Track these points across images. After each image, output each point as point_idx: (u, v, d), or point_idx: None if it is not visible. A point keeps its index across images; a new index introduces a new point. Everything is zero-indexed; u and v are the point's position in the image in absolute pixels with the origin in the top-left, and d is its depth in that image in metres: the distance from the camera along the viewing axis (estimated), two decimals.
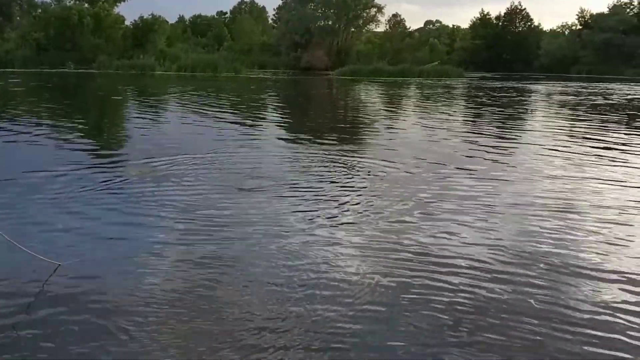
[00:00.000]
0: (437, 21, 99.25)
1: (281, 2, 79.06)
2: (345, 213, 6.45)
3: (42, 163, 8.91)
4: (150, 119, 16.20)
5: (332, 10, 66.42)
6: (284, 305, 4.05)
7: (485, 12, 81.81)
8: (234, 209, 6.46)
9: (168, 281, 4.42)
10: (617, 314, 3.99)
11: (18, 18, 67.38)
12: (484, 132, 14.30)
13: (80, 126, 13.96)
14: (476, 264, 4.88)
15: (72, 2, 53.29)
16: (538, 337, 3.67)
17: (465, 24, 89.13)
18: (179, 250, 5.10)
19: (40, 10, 53.70)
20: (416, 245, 5.37)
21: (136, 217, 6.05)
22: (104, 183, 7.59)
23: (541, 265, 4.90)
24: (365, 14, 67.75)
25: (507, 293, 4.31)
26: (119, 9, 54.06)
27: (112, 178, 7.90)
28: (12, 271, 4.57)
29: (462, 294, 4.28)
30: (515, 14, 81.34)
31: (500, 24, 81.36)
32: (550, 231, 5.84)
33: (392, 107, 22.95)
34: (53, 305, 3.97)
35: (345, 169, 9.02)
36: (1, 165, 8.75)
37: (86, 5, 51.88)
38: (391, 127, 15.63)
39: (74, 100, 23.36)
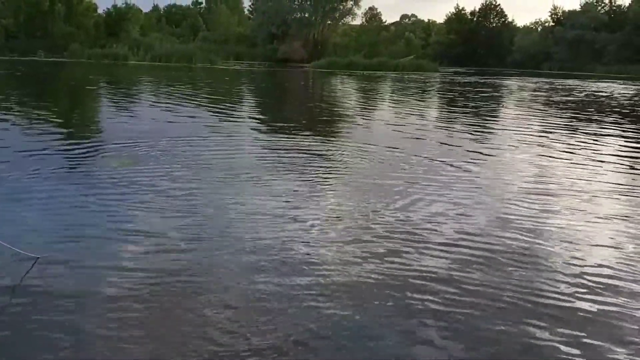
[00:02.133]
0: (413, 15, 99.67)
1: None
2: (319, 198, 6.50)
3: (12, 154, 8.74)
4: (123, 108, 15.99)
5: (308, 2, 66.25)
6: (261, 294, 4.08)
7: (460, 8, 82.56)
8: (210, 196, 6.46)
9: (147, 272, 4.39)
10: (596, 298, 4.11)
11: None
12: (457, 124, 14.47)
13: (52, 116, 13.70)
14: (454, 248, 4.97)
15: None
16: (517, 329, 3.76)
17: (440, 19, 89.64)
18: (157, 240, 5.08)
19: None
20: (393, 231, 5.43)
21: (113, 207, 6.00)
22: (79, 173, 7.52)
23: (517, 250, 5.02)
24: (341, 7, 67.72)
25: (487, 277, 4.40)
26: None
27: (88, 168, 7.82)
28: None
29: (448, 283, 4.35)
30: (490, 10, 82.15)
31: (475, 19, 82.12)
32: (524, 217, 6.04)
33: (368, 100, 23.05)
34: (31, 299, 3.90)
35: (318, 157, 9.06)
36: None
37: None
38: (366, 119, 15.71)
39: (45, 89, 22.90)
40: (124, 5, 52.82)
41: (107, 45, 47.22)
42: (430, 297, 4.14)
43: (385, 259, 4.84)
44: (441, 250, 5.07)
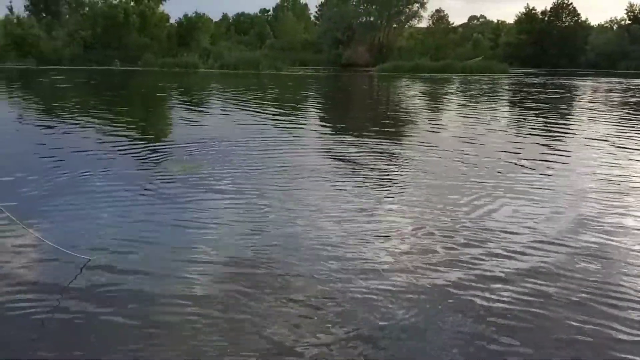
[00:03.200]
0: (482, 16, 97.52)
1: None
2: (386, 201, 6.41)
3: (83, 156, 9.13)
4: (191, 113, 16.44)
5: (374, 7, 65.95)
6: (325, 294, 4.05)
7: (530, 7, 79.93)
8: (275, 198, 6.50)
9: (200, 274, 4.44)
10: None
11: (67, 17, 69.40)
12: (529, 126, 14.01)
13: (123, 121, 14.26)
14: (523, 255, 4.77)
15: (118, 0, 54.54)
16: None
17: (510, 19, 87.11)
18: (216, 242, 5.14)
19: (87, 9, 55.13)
20: (460, 235, 5.29)
21: (170, 210, 6.15)
22: (143, 177, 7.73)
23: (596, 251, 4.77)
24: (407, 10, 67.04)
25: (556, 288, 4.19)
26: (164, 7, 55.03)
27: (152, 172, 8.05)
28: (42, 267, 4.58)
29: (511, 292, 4.18)
30: (562, 9, 79.11)
31: (546, 19, 79.27)
32: (601, 218, 5.80)
33: (435, 103, 22.68)
34: (82, 300, 3.96)
35: (387, 160, 8.98)
36: (43, 161, 8.97)
37: (132, 3, 52.97)
38: (434, 121, 15.45)
39: (119, 97, 23.87)
40: (194, 15, 54.21)
41: (178, 54, 48.70)
42: (505, 299, 3.98)
43: (458, 261, 4.72)
44: (517, 252, 4.92)
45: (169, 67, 45.76)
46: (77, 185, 7.14)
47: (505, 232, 5.47)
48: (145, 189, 6.98)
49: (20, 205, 5.93)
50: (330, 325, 3.63)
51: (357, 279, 4.32)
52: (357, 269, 4.51)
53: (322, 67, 59.46)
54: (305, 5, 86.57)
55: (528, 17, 79.62)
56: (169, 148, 10.16)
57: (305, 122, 15.10)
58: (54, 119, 14.33)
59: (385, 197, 6.83)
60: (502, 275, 4.45)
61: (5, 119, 14.73)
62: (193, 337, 3.49)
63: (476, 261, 4.72)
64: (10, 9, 63.45)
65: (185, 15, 53.97)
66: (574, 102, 23.43)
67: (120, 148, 10.07)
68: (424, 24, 74.76)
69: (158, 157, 9.19)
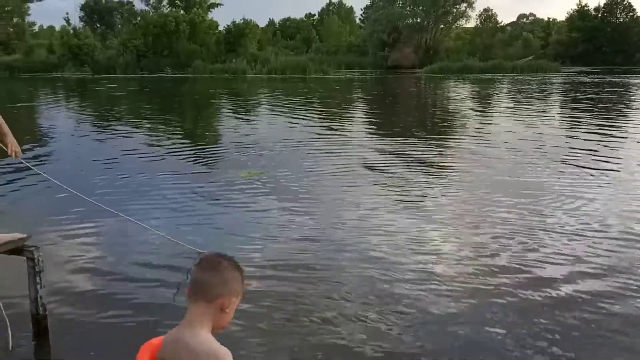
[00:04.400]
0: (531, 14, 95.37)
1: (369, 1, 79.08)
2: (438, 205, 6.40)
3: (153, 164, 9.48)
4: (244, 118, 16.74)
5: (420, 8, 65.45)
6: (372, 295, 4.11)
7: (583, 4, 77.75)
8: (335, 203, 6.59)
9: (280, 269, 4.56)
10: None
11: (120, 26, 71.61)
12: (586, 126, 13.68)
13: (181, 129, 14.67)
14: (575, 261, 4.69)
15: (169, 9, 55.92)
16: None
17: (561, 16, 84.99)
18: (287, 246, 5.26)
19: (139, 19, 56.76)
20: (512, 239, 5.26)
21: (255, 210, 6.49)
22: (216, 184, 7.98)
23: None
24: (455, 10, 66.25)
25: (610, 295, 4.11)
26: (213, 15, 56.13)
27: (223, 179, 8.26)
28: (163, 258, 5.01)
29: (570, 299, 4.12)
30: (616, 5, 76.62)
31: (600, 15, 76.94)
32: None
33: (486, 105, 22.32)
34: None
35: (440, 162, 8.95)
36: (123, 168, 9.35)
37: (182, 12, 54.26)
38: (485, 125, 15.23)
39: (173, 104, 24.47)
40: (242, 22, 55.05)
41: (227, 61, 49.57)
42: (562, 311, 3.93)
43: (515, 265, 4.67)
44: (574, 261, 4.81)
45: (219, 73, 46.57)
46: (158, 187, 7.57)
47: (565, 234, 5.40)
48: (219, 194, 7.39)
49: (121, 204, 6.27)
50: (377, 327, 3.68)
51: (415, 285, 4.37)
52: (415, 275, 4.56)
53: (368, 70, 59.40)
54: (351, 8, 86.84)
55: (580, 14, 77.44)
56: (231, 153, 10.54)
57: (356, 126, 15.15)
58: (117, 127, 14.84)
59: (438, 202, 6.84)
60: (561, 276, 4.39)
61: (71, 127, 15.33)
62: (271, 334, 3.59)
63: (540, 264, 4.69)
64: (67, 21, 66.09)
65: (233, 22, 54.95)
66: (632, 102, 22.66)
67: (186, 153, 10.60)
68: (471, 23, 73.77)
69: (224, 163, 9.56)
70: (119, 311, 4.05)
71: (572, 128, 14.00)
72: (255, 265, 4.80)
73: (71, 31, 54.69)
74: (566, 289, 4.23)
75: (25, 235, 3.84)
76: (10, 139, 3.66)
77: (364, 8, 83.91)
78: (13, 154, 3.67)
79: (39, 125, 16.10)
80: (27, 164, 4.62)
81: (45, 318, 3.78)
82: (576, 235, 5.46)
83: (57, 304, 4.07)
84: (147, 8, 70.64)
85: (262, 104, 22.46)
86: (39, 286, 3.73)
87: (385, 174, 8.41)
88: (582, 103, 21.06)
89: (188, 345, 1.54)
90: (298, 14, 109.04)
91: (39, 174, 5.10)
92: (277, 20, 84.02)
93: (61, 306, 4.09)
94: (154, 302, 4.16)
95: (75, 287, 4.48)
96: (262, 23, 75.93)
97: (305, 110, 19.14)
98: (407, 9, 66.68)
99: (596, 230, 5.58)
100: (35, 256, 3.71)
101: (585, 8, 77.49)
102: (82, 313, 4.04)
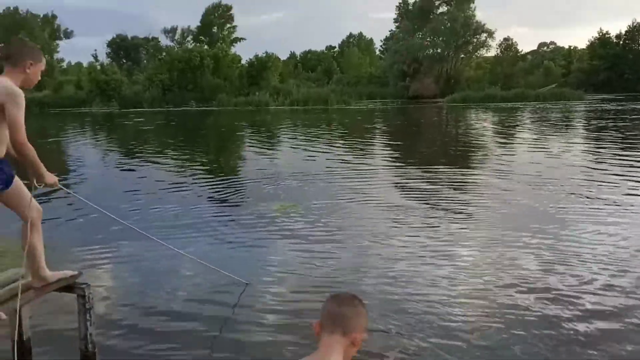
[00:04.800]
0: (552, 42, 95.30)
1: (388, 33, 79.93)
2: (463, 234, 6.40)
3: (187, 196, 9.64)
4: (272, 151, 16.96)
5: (441, 38, 65.93)
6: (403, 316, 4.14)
7: (604, 32, 77.52)
8: (363, 232, 6.63)
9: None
10: None
11: (145, 62, 73.30)
12: (612, 156, 13.57)
13: (210, 162, 14.87)
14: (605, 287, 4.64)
15: (193, 44, 57.10)
16: None
17: (582, 44, 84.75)
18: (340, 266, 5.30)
19: (164, 54, 58.04)
20: (534, 264, 5.27)
21: (294, 242, 6.58)
22: (249, 216, 8.10)
23: None
24: (475, 40, 66.57)
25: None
26: (236, 49, 57.16)
27: (256, 212, 8.36)
28: (208, 288, 5.15)
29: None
30: (638, 32, 76.27)
31: (621, 42, 76.59)
32: None
33: (510, 134, 22.23)
34: (243, 321, 4.46)
35: (461, 193, 8.94)
36: (161, 200, 9.54)
37: (206, 47, 55.37)
38: (510, 154, 15.18)
39: (200, 137, 24.84)
40: (264, 55, 55.91)
41: (250, 93, 50.29)
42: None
43: (543, 294, 4.65)
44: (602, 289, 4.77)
45: (242, 105, 47.20)
46: (196, 218, 7.72)
47: (591, 268, 5.39)
48: (255, 225, 7.52)
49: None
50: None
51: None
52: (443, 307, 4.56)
53: (389, 100, 59.69)
54: (371, 40, 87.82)
55: (602, 41, 77.18)
56: (260, 185, 10.75)
57: (382, 156, 15.23)
58: (147, 159, 15.10)
59: (461, 230, 6.89)
60: (600, 308, 4.36)
61: (103, 159, 15.65)
62: None
63: (572, 295, 4.66)
64: (95, 57, 67.86)
65: (256, 56, 55.78)
66: None
67: (217, 185, 10.89)
68: (491, 52, 73.93)
69: (255, 195, 9.68)
70: (165, 344, 4.11)
71: (597, 157, 13.90)
72: (299, 291, 4.89)
73: (98, 67, 56.09)
74: (606, 320, 4.19)
75: (76, 273, 3.95)
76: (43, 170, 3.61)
77: (384, 39, 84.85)
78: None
79: (70, 158, 16.44)
80: (69, 191, 4.73)
81: (94, 355, 3.85)
82: (606, 264, 5.43)
83: (102, 338, 4.12)
84: (172, 44, 72.52)
85: (286, 136, 22.69)
86: (88, 323, 3.81)
87: (415, 208, 8.45)
88: (606, 131, 20.88)
89: None
90: (319, 46, 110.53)
91: (84, 201, 5.04)
92: (298, 52, 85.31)
93: (107, 340, 4.15)
94: (203, 334, 4.23)
95: (121, 321, 4.56)
96: (284, 56, 77.17)
97: (330, 141, 19.28)
98: (427, 39, 67.20)
99: (624, 260, 5.55)
100: (86, 293, 3.80)
101: (607, 35, 77.25)
102: (129, 347, 4.11)
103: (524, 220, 7.29)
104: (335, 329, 1.74)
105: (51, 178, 3.51)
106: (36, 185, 3.51)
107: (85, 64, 73.70)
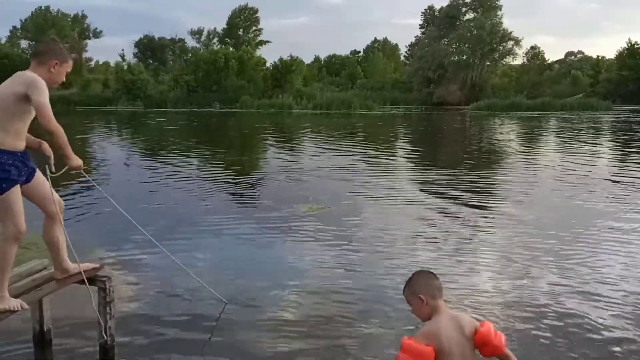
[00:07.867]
0: (579, 52, 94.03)
1: (414, 39, 79.76)
2: (485, 244, 6.30)
3: (210, 199, 9.69)
4: (297, 154, 16.98)
5: (467, 45, 65.60)
6: None
7: (633, 42, 76.18)
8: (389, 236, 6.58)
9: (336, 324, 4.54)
10: None
11: (171, 62, 74.13)
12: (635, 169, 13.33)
13: (234, 163, 14.92)
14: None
15: (218, 46, 57.55)
16: None
17: (610, 54, 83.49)
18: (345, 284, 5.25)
19: (190, 55, 58.68)
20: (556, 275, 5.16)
21: (312, 251, 6.42)
22: (281, 218, 8.01)
23: None
24: (501, 48, 66.06)
25: None
26: (261, 52, 57.44)
27: (285, 215, 8.22)
28: (188, 299, 4.95)
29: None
30: None
31: None
32: None
33: (538, 144, 21.95)
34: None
35: (485, 201, 8.82)
36: (171, 202, 9.56)
37: (231, 49, 55.79)
38: (535, 162, 14.97)
39: (224, 138, 24.98)
40: (289, 58, 56.05)
41: (273, 96, 50.48)
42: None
43: (568, 311, 4.56)
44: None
45: (265, 108, 47.37)
46: (210, 224, 7.62)
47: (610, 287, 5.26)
48: (282, 231, 7.31)
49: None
50: None
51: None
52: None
53: (413, 106, 59.43)
54: (396, 45, 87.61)
55: (630, 51, 75.88)
56: (286, 187, 10.79)
57: (408, 161, 15.14)
58: (171, 158, 15.20)
59: (483, 242, 6.76)
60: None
61: (128, 157, 15.81)
62: None
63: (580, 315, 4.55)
64: (122, 57, 68.83)
65: (280, 59, 55.96)
66: None
67: (243, 188, 10.95)
68: (518, 61, 73.25)
69: (282, 197, 9.57)
70: (182, 339, 4.10)
71: (623, 169, 13.64)
72: (335, 291, 4.86)
73: (125, 67, 56.85)
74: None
75: (97, 265, 3.97)
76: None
77: (409, 45, 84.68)
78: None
79: (97, 155, 16.62)
80: (89, 178, 4.77)
81: (113, 348, 3.86)
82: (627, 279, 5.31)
83: (120, 332, 4.10)
84: (198, 45, 73.24)
85: (310, 138, 22.68)
86: (108, 316, 3.82)
87: (442, 214, 8.38)
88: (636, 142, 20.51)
89: (464, 318, 2.62)
90: (343, 51, 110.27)
91: (107, 198, 4.96)
92: (322, 57, 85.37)
93: (125, 335, 4.14)
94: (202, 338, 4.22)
95: (139, 315, 4.56)
96: (308, 60, 77.23)
97: (354, 144, 19.24)
98: (453, 46, 66.85)
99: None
100: (107, 286, 3.81)
101: (636, 46, 75.95)
102: (147, 342, 4.10)
103: (546, 230, 7.17)
104: (442, 295, 2.63)
105: (77, 161, 3.54)
106: (51, 171, 3.57)
107: (112, 63, 74.89)
